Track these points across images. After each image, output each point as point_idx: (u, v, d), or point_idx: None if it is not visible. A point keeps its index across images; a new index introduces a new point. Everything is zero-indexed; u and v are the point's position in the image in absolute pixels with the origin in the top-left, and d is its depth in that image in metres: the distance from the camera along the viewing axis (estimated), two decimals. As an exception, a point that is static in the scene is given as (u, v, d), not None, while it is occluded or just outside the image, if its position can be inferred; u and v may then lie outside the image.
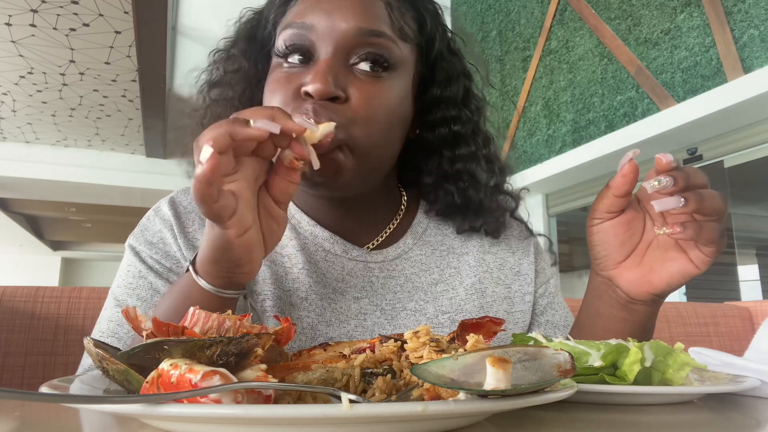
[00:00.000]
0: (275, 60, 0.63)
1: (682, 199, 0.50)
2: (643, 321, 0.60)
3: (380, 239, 0.69)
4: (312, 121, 0.47)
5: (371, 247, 0.68)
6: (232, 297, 0.51)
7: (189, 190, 0.69)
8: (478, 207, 0.71)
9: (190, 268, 0.50)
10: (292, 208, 0.69)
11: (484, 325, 0.43)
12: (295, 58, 0.60)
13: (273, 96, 0.60)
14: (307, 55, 0.60)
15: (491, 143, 0.72)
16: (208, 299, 0.50)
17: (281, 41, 0.61)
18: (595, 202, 0.59)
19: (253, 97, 0.68)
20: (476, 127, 0.70)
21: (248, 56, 0.68)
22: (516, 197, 0.77)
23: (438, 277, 0.69)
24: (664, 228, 0.55)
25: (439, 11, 0.69)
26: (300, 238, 0.67)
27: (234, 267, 0.48)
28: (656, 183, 0.51)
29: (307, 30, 0.59)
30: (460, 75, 0.69)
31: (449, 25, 0.72)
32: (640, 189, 0.58)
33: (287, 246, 0.66)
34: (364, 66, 0.59)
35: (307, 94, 0.56)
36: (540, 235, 0.80)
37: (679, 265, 0.56)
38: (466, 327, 0.43)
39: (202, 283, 0.49)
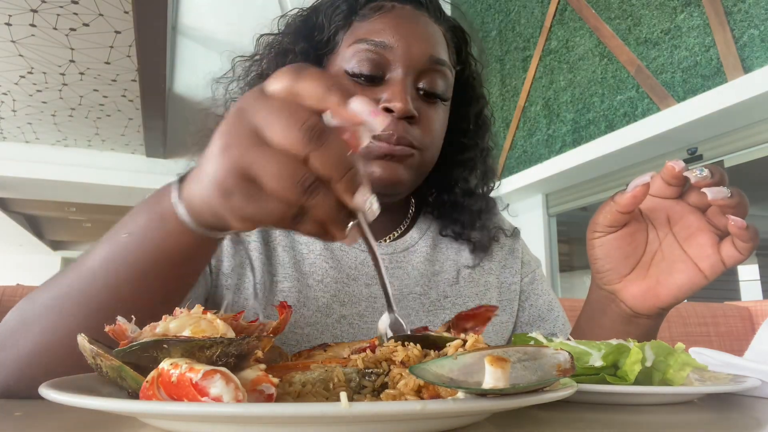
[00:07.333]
0: (337, 68, 0.64)
1: (729, 192, 0.49)
2: (645, 334, 0.60)
3: (391, 238, 0.74)
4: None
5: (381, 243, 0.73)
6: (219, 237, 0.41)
7: None
8: (471, 215, 0.76)
9: (176, 196, 0.39)
10: None
11: (479, 314, 0.44)
12: (364, 73, 0.62)
13: None
14: (378, 72, 0.63)
15: (488, 156, 0.80)
16: (183, 242, 0.39)
17: (354, 54, 0.63)
18: (596, 215, 0.58)
19: None
20: (482, 141, 0.78)
21: (301, 53, 0.67)
22: (499, 201, 0.82)
23: (439, 269, 0.74)
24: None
25: (469, 39, 0.75)
26: None
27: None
28: (699, 173, 0.50)
29: (384, 49, 0.62)
30: (480, 97, 0.78)
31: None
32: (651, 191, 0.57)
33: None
34: (429, 90, 0.64)
35: (386, 110, 0.60)
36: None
37: (687, 276, 0.55)
38: (462, 317, 0.44)
39: (187, 219, 0.38)
